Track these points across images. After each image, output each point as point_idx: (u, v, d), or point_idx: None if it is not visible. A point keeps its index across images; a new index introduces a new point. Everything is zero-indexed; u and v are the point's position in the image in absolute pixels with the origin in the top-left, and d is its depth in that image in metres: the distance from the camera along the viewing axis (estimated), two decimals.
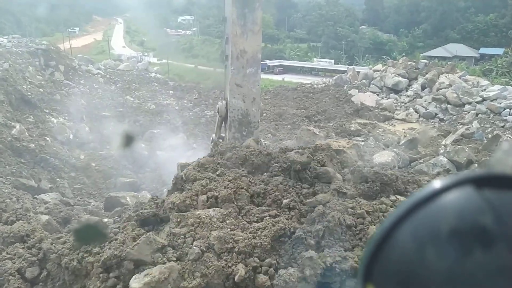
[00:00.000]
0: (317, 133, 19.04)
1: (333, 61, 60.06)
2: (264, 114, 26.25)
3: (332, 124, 24.82)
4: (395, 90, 29.23)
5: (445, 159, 15.93)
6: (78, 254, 5.53)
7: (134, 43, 79.49)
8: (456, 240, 0.63)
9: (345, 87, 31.76)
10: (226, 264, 4.75)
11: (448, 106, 25.25)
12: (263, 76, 51.39)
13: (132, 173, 15.98)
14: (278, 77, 50.69)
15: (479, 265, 0.61)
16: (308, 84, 36.48)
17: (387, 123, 26.20)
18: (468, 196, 0.66)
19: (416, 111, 26.58)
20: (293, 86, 36.96)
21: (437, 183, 0.69)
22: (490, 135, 19.54)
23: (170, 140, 18.99)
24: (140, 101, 27.55)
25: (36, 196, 11.40)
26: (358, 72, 33.39)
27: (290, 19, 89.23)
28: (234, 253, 4.82)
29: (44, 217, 8.09)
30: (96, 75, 30.51)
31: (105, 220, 9.25)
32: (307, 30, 79.01)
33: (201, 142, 19.51)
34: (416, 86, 28.34)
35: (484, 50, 54.60)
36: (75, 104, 22.37)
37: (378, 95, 29.74)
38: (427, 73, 28.34)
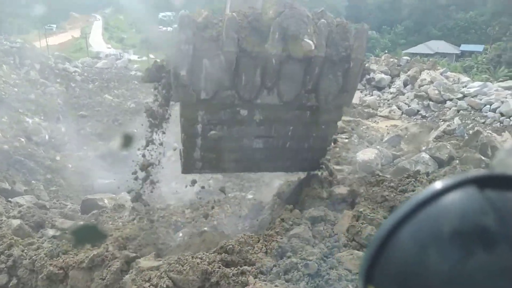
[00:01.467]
0: None
1: None
2: None
3: None
4: (378, 87, 29.38)
5: (427, 156, 16.00)
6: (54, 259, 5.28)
7: (113, 40, 77.90)
8: (458, 241, 0.62)
9: None
10: None
11: (430, 102, 25.49)
12: None
13: (111, 174, 15.55)
14: None
15: (481, 266, 0.60)
16: None
17: (370, 120, 26.29)
18: (470, 197, 0.65)
19: (399, 108, 26.76)
20: None
21: (438, 184, 0.68)
22: (471, 131, 19.74)
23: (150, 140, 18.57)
24: (120, 100, 26.94)
25: (10, 199, 10.93)
26: None
27: None
28: None
29: (16, 222, 7.72)
30: (73, 74, 29.71)
31: (81, 223, 8.92)
32: None
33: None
34: (398, 83, 28.54)
35: (464, 47, 55.54)
36: (51, 104, 21.68)
37: (361, 92, 29.83)
38: (409, 70, 28.57)
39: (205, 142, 6.86)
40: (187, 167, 7.80)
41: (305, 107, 6.54)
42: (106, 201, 10.82)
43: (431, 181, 6.77)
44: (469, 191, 0.66)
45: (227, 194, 13.14)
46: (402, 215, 0.68)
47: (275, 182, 15.36)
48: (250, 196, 12.00)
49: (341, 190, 7.25)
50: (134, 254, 5.43)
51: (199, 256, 4.47)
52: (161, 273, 4.25)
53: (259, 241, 4.88)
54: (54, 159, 16.00)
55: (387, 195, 6.24)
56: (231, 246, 4.57)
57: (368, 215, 5.40)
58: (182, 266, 4.20)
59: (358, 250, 5.00)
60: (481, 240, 0.61)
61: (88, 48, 54.62)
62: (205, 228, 9.46)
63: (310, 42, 5.94)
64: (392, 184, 6.84)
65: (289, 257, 4.44)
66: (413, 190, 6.10)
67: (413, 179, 6.63)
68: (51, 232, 7.48)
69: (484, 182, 0.66)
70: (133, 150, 17.13)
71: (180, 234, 8.25)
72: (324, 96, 6.40)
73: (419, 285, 0.64)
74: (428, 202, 0.67)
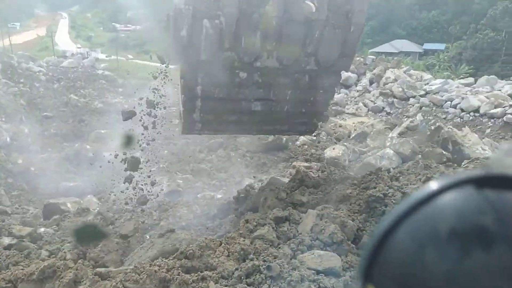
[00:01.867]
0: None
1: None
2: None
3: None
4: (345, 85, 29.98)
5: (392, 152, 16.49)
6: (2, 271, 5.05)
7: (80, 38, 75.48)
8: (456, 240, 0.63)
9: None
10: None
11: (395, 100, 26.28)
12: None
13: (77, 177, 15.11)
14: None
15: (479, 265, 0.60)
16: None
17: (338, 117, 26.82)
18: (468, 196, 0.66)
19: (365, 105, 27.44)
20: None
21: (436, 183, 0.68)
22: (433, 127, 20.53)
23: (118, 141, 18.16)
24: (86, 100, 26.19)
25: None
26: None
27: None
28: None
29: None
30: (37, 73, 28.59)
31: (42, 230, 8.61)
32: None
33: (151, 142, 18.84)
34: (364, 81, 29.25)
35: (427, 46, 57.58)
36: (13, 105, 20.78)
37: None
38: (374, 69, 29.33)
39: (205, 103, 6.89)
40: (187, 128, 7.89)
41: (304, 71, 6.58)
42: (69, 205, 10.50)
43: (391, 178, 7.02)
44: (467, 191, 0.66)
45: (197, 194, 13.10)
46: (400, 214, 0.68)
47: (246, 180, 15.46)
48: (219, 196, 11.99)
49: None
50: (90, 263, 5.31)
51: (157, 263, 4.40)
52: (116, 283, 4.16)
53: (221, 244, 4.88)
54: (16, 162, 15.37)
55: (350, 193, 6.42)
56: (191, 251, 4.54)
57: (331, 214, 5.53)
58: (139, 274, 4.12)
59: (321, 248, 5.12)
60: (479, 239, 0.62)
61: (54, 47, 52.58)
62: (174, 228, 9.39)
63: (311, 4, 5.99)
64: (355, 181, 7.04)
65: (251, 259, 4.48)
66: (374, 187, 6.30)
67: (375, 176, 6.85)
68: (6, 240, 7.17)
69: (482, 182, 0.67)
70: (99, 152, 16.76)
71: (147, 237, 8.14)
72: (323, 60, 6.45)
73: (417, 284, 0.64)
74: (426, 201, 0.67)
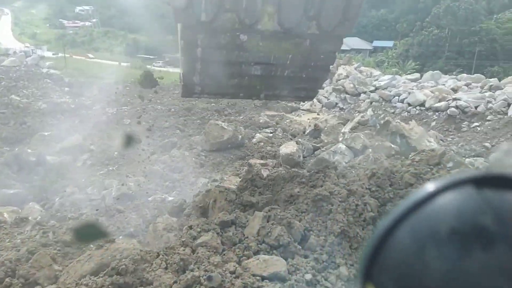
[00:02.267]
0: (226, 127, 18.84)
1: None
2: (172, 109, 25.35)
3: (242, 117, 24.91)
4: None
5: (344, 146, 16.84)
6: None
7: (24, 35, 70.85)
8: (456, 240, 0.63)
9: None
10: None
11: (347, 95, 26.95)
12: (173, 69, 49.67)
13: (17, 183, 14.07)
14: None
15: (479, 265, 0.61)
16: None
17: (293, 113, 27.14)
18: (468, 196, 0.66)
19: (319, 101, 27.90)
20: None
21: (436, 183, 0.69)
22: (382, 121, 21.24)
23: (63, 143, 17.16)
24: (29, 100, 24.61)
25: None
26: None
27: None
28: None
29: None
30: None
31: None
32: None
33: (100, 142, 17.99)
34: None
35: (376, 43, 59.74)
36: None
37: None
38: None
39: (205, 66, 6.77)
40: (187, 91, 7.81)
41: (305, 35, 6.50)
42: (6, 215, 9.72)
43: (338, 175, 7.06)
44: (467, 191, 0.67)
45: (148, 197, 12.61)
46: (400, 213, 0.68)
47: (200, 180, 15.15)
48: (170, 198, 11.59)
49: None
50: (19, 281, 4.82)
51: (84, 282, 4.05)
52: None
53: (158, 256, 4.60)
54: None
55: (298, 192, 6.36)
56: (123, 266, 4.23)
57: (278, 215, 5.43)
58: None
59: (268, 252, 5.00)
60: (479, 239, 0.62)
61: None
62: (120, 237, 8.93)
63: None
64: (303, 179, 7.00)
65: (191, 270, 4.25)
66: (321, 186, 6.29)
67: (322, 174, 6.85)
68: None
69: (481, 182, 0.67)
70: (42, 155, 15.72)
71: (92, 246, 7.65)
72: (325, 24, 6.37)
73: (417, 283, 0.64)
74: (426, 201, 0.67)
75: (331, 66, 7.87)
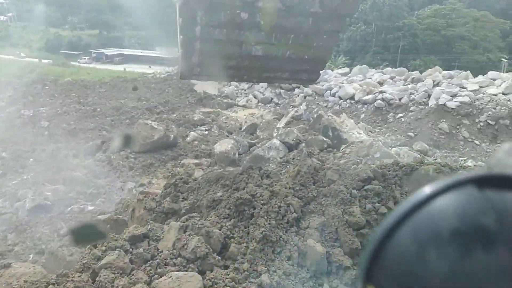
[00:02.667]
0: (156, 126, 17.90)
1: (177, 49, 58.37)
2: (98, 109, 23.66)
3: (175, 115, 24.00)
4: None
5: (278, 142, 16.81)
6: None
7: None
8: (457, 240, 0.63)
9: None
10: None
11: (282, 90, 27.12)
12: (100, 66, 46.87)
13: None
14: (119, 67, 46.97)
15: (480, 265, 0.61)
16: (150, 74, 34.72)
17: (230, 110, 26.78)
18: (469, 197, 0.66)
19: (255, 97, 27.82)
20: (134, 77, 34.70)
21: (438, 183, 0.68)
22: (316, 115, 21.63)
23: None
24: None
25: None
26: None
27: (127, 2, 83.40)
28: None
29: None
30: None
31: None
32: (147, 16, 75.04)
33: (13, 148, 16.19)
34: None
35: None
36: None
37: (219, 83, 30.06)
38: None
39: (204, 46, 6.49)
40: (185, 72, 7.57)
41: (307, 13, 6.28)
42: None
43: (262, 176, 6.77)
44: (468, 191, 0.66)
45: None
46: (401, 214, 0.67)
47: (128, 185, 14.21)
48: (91, 208, 10.62)
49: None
50: None
51: None
52: None
53: (48, 286, 3.95)
54: None
55: (220, 196, 5.95)
56: None
57: (197, 224, 4.99)
58: None
59: (184, 266, 4.53)
60: (480, 239, 0.62)
61: None
62: (31, 256, 7.95)
63: None
64: (227, 182, 6.60)
65: None
66: (244, 188, 5.95)
67: (246, 175, 6.50)
68: None
69: (483, 182, 0.67)
70: None
71: None
72: (328, 2, 6.19)
73: (418, 284, 0.64)
74: (427, 202, 0.67)
75: None
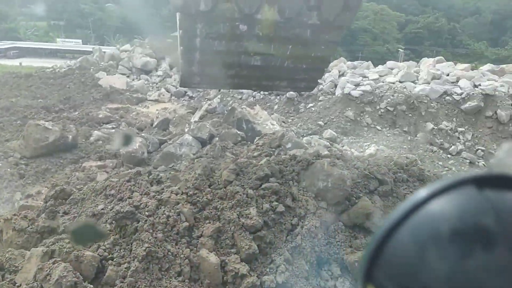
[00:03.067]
0: (50, 127, 15.96)
1: (80, 41, 53.99)
2: None
3: (77, 113, 21.87)
4: (145, 70, 28.40)
5: (191, 137, 16.16)
6: None
7: None
8: (457, 240, 0.63)
9: (92, 69, 28.72)
10: None
11: None
12: (7, 62, 41.44)
13: None
14: (14, 62, 41.87)
15: (480, 266, 0.60)
16: (49, 68, 31.39)
17: (140, 105, 25.28)
18: (469, 197, 0.66)
19: (167, 91, 26.63)
20: (30, 72, 31.03)
21: (438, 183, 0.68)
22: (230, 108, 21.28)
23: None
24: None
25: None
26: (105, 53, 30.79)
27: None
28: None
29: None
30: None
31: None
32: (45, 6, 68.03)
33: None
34: (164, 65, 28.30)
35: None
36: None
37: (128, 76, 28.24)
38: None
39: (204, 56, 6.77)
40: (185, 81, 7.96)
41: (306, 25, 6.47)
42: None
43: (152, 181, 6.10)
44: (468, 191, 0.66)
45: None
46: (401, 214, 0.67)
47: (17, 196, 12.46)
48: None
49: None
50: None
51: None
52: None
53: None
54: None
55: (102, 209, 5.17)
56: None
57: (65, 248, 4.20)
58: None
59: None
60: (480, 240, 0.61)
61: None
62: None
63: None
64: (112, 191, 5.79)
65: None
66: (128, 198, 5.24)
67: (133, 183, 5.78)
68: None
69: (483, 182, 0.67)
70: None
71: None
72: (326, 14, 6.36)
73: (418, 283, 0.64)
74: (427, 202, 0.67)
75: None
